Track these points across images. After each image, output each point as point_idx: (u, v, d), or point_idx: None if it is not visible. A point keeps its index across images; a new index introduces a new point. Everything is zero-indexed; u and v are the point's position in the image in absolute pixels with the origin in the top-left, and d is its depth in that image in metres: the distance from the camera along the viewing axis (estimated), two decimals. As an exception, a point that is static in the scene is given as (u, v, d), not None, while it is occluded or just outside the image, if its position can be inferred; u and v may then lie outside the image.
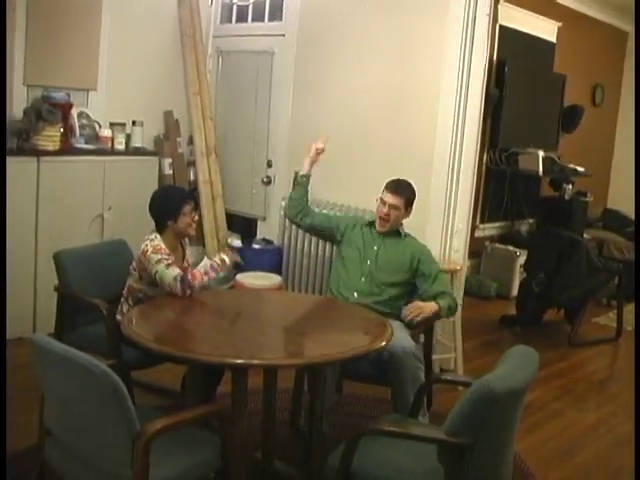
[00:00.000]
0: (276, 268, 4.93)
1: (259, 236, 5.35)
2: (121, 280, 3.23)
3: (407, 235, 3.51)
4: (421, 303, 3.26)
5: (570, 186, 6.37)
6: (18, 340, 3.71)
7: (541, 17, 6.61)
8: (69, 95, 4.52)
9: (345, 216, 4.10)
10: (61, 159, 4.33)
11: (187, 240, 3.38)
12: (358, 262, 3.44)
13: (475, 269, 6.46)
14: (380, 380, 3.14)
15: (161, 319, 2.99)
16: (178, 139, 5.34)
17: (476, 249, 6.19)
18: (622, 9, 7.42)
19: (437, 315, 3.26)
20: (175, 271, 3.01)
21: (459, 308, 3.88)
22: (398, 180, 3.48)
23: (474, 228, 6.11)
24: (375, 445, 2.33)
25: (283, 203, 4.92)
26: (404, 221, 3.51)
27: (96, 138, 4.68)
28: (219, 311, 3.11)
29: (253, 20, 5.47)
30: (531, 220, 6.92)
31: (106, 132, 4.71)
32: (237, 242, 5.27)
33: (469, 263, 5.46)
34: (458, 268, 4.17)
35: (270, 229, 5.29)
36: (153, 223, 3.20)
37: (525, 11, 6.38)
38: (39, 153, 4.22)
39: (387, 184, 3.46)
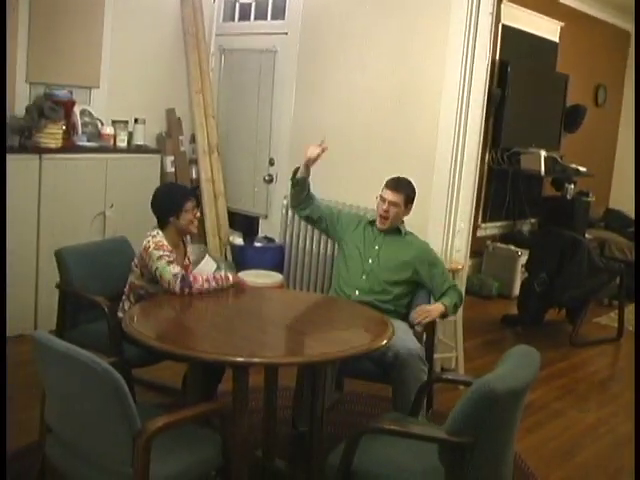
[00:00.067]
0: (278, 266, 4.94)
1: (261, 234, 5.35)
2: (123, 277, 3.23)
3: (407, 233, 3.51)
4: (428, 307, 3.30)
5: (572, 186, 6.37)
6: (19, 337, 3.72)
7: (544, 17, 6.61)
8: (71, 93, 4.52)
9: (348, 212, 4.10)
10: (63, 157, 4.33)
11: (188, 238, 3.37)
12: (359, 260, 3.45)
13: (477, 268, 6.45)
14: (382, 378, 3.14)
15: (162, 317, 3.00)
16: (180, 137, 5.34)
17: (478, 248, 6.19)
18: (623, 8, 7.41)
19: (444, 315, 3.31)
20: (176, 269, 3.01)
21: (460, 308, 3.89)
22: (398, 178, 3.49)
23: (476, 227, 6.11)
24: (376, 444, 2.33)
25: (285, 201, 4.93)
26: (406, 220, 3.52)
27: (98, 136, 4.68)
28: (220, 309, 3.10)
29: (256, 18, 5.47)
30: (533, 220, 6.92)
31: (108, 130, 4.71)
32: (239, 240, 5.27)
33: (471, 262, 5.46)
34: (460, 267, 4.18)
35: (272, 227, 5.29)
36: (155, 221, 3.20)
37: (528, 11, 6.38)
38: (41, 151, 4.21)
39: (387, 182, 3.48)
